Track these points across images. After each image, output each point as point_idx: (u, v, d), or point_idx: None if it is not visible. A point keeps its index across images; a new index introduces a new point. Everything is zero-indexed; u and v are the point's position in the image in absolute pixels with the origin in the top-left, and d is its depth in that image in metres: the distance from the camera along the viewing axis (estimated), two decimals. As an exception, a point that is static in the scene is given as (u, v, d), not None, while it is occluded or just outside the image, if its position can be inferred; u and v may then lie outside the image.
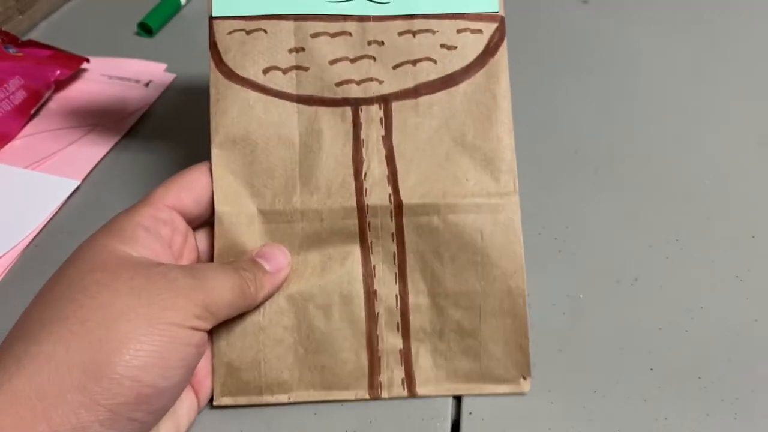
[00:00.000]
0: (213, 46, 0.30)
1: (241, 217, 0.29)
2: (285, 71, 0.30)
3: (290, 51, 0.30)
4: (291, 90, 0.30)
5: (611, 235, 0.38)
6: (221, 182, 0.30)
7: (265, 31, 0.30)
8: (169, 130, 0.46)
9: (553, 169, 0.42)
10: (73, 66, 0.49)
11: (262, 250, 0.29)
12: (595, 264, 0.36)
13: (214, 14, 0.30)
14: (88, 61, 0.50)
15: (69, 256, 0.26)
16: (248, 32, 0.30)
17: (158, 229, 0.27)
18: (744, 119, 0.46)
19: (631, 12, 0.57)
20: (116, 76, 0.51)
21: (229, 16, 0.30)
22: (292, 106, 0.30)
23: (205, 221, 0.30)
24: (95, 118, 0.47)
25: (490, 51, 0.31)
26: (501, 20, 0.31)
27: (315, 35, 0.30)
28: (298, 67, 0.30)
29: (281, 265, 0.29)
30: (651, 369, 0.31)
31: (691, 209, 0.39)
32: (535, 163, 0.42)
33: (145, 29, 0.55)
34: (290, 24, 0.30)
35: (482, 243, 0.29)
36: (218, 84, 0.30)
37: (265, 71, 0.30)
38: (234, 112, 0.30)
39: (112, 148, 0.44)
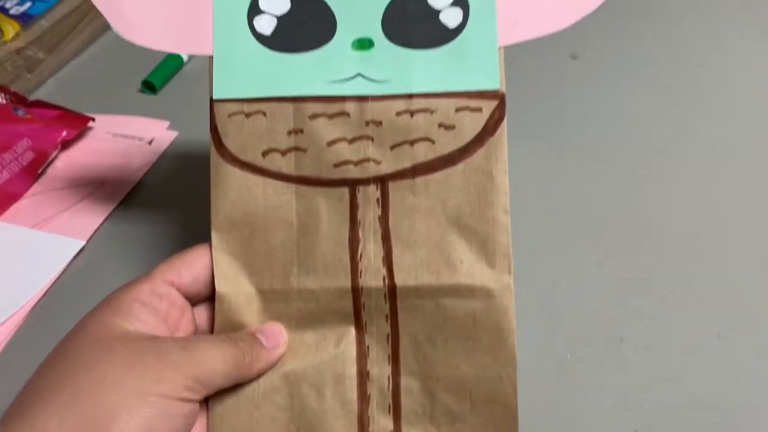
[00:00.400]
0: (213, 129, 0.31)
1: (240, 297, 0.30)
2: (284, 153, 0.31)
3: (289, 133, 0.31)
4: (290, 171, 0.31)
5: (597, 296, 0.39)
6: (221, 263, 0.31)
7: (265, 114, 0.31)
8: (172, 189, 0.48)
9: (541, 229, 0.44)
10: (79, 126, 0.51)
11: (261, 327, 0.30)
12: (582, 325, 0.37)
13: (214, 97, 0.31)
14: (93, 120, 0.52)
15: (69, 331, 0.28)
16: (248, 115, 0.31)
17: (154, 304, 0.29)
18: (727, 179, 0.47)
19: (618, 68, 0.59)
20: (120, 134, 0.52)
21: (230, 99, 0.31)
22: (290, 188, 0.31)
23: (204, 298, 0.31)
24: (100, 177, 0.48)
25: (489, 130, 0.31)
26: (501, 98, 0.31)
27: (313, 117, 0.31)
28: (296, 149, 0.31)
29: (278, 343, 0.30)
30: (635, 430, 0.32)
31: (674, 269, 0.41)
32: (523, 224, 0.44)
33: (149, 86, 0.57)
34: (289, 106, 0.31)
35: (474, 329, 0.30)
36: (218, 167, 0.31)
37: (264, 154, 0.31)
38: (233, 195, 0.31)
39: (116, 207, 0.46)
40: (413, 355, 0.30)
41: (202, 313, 0.32)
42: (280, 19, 0.31)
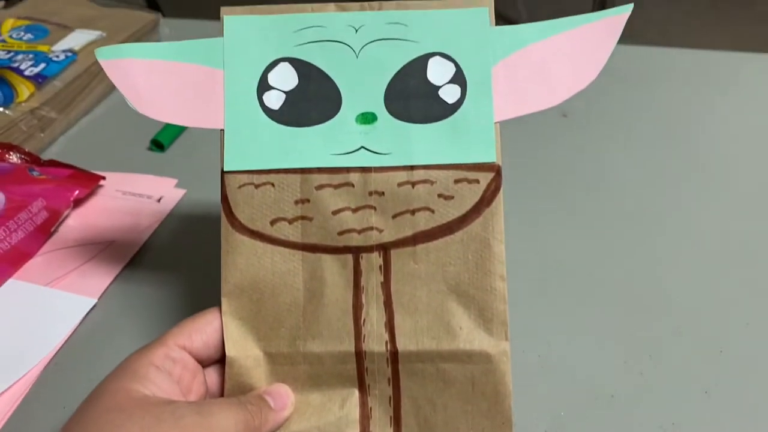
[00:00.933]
0: (224, 199, 0.33)
1: (248, 360, 0.32)
2: (291, 221, 0.33)
3: (296, 202, 0.33)
4: (296, 239, 0.33)
5: (589, 353, 0.41)
6: (230, 328, 0.32)
7: (273, 185, 0.33)
8: (180, 246, 0.50)
9: (535, 284, 0.46)
10: (90, 185, 0.53)
11: (269, 389, 0.32)
12: (575, 381, 0.39)
13: (225, 169, 0.33)
14: (104, 178, 0.54)
15: (88, 396, 0.29)
16: (257, 186, 0.33)
17: (169, 368, 0.30)
18: (715, 236, 0.49)
19: (606, 125, 0.62)
20: (130, 192, 0.55)
21: (240, 171, 0.33)
22: (297, 255, 0.33)
23: (215, 360, 0.33)
24: (111, 235, 0.50)
25: (486, 200, 0.32)
26: (497, 170, 0.33)
27: (319, 187, 0.33)
28: (303, 218, 0.33)
29: (285, 404, 0.32)
30: (627, 487, 0.34)
31: (662, 325, 0.42)
32: (517, 279, 0.46)
33: (157, 145, 0.60)
34: (297, 177, 0.33)
35: (473, 393, 0.32)
36: (228, 236, 0.33)
37: (273, 222, 0.33)
38: (243, 263, 0.33)
39: (126, 265, 0.48)
40: (414, 418, 0.32)
41: (212, 375, 0.33)
42: (288, 95, 0.33)
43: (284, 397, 0.32)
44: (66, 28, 0.70)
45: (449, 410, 0.32)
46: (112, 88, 0.68)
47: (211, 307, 0.33)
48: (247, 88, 0.34)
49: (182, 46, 0.34)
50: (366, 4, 0.34)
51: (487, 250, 0.32)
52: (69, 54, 0.65)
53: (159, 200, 0.54)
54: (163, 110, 0.34)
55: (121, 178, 0.56)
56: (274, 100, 0.33)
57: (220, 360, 0.33)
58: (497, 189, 0.33)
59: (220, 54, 0.34)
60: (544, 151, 0.59)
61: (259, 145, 0.33)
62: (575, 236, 0.50)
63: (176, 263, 0.48)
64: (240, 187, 0.33)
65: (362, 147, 0.33)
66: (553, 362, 0.40)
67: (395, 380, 0.32)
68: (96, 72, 0.66)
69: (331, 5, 0.34)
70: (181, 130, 0.62)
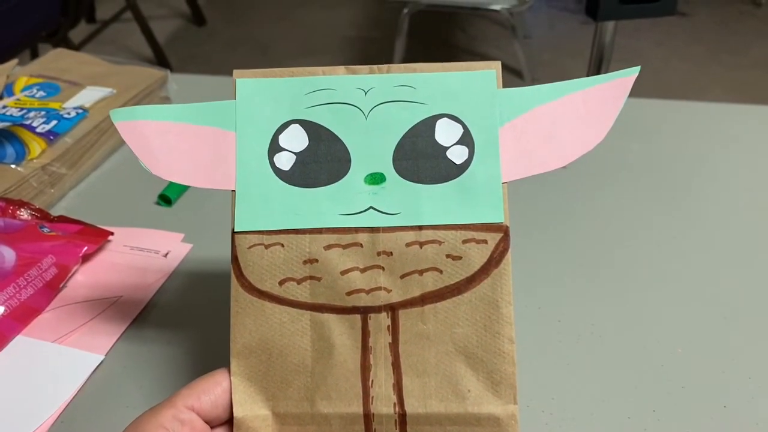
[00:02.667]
0: (234, 259, 0.34)
1: (256, 421, 0.32)
2: (299, 282, 0.33)
3: (305, 262, 0.33)
4: (305, 299, 0.33)
5: (593, 407, 0.41)
6: (239, 388, 0.33)
7: (282, 245, 0.33)
8: (187, 302, 0.50)
9: (537, 338, 0.46)
10: (99, 240, 0.54)
11: None
12: (579, 437, 0.39)
13: (236, 229, 0.34)
14: (112, 234, 0.55)
15: None
16: (267, 246, 0.33)
17: (177, 430, 0.31)
18: (717, 289, 0.50)
19: (606, 177, 0.63)
20: (137, 247, 0.55)
21: (250, 231, 0.34)
22: (305, 315, 0.33)
23: (223, 421, 0.33)
24: (118, 291, 0.51)
25: (494, 261, 0.33)
26: (505, 231, 0.33)
27: (328, 247, 0.33)
28: (311, 278, 0.33)
29: None
30: None
31: (666, 380, 0.43)
32: (520, 332, 0.46)
33: (164, 200, 0.61)
34: (305, 237, 0.33)
35: None
36: (238, 297, 0.33)
37: (281, 283, 0.33)
38: (251, 324, 0.33)
39: (134, 321, 0.48)
40: None
41: None
42: (299, 156, 0.34)
43: None
44: (77, 86, 0.72)
45: None
46: (120, 143, 0.70)
47: (220, 368, 0.33)
48: (258, 150, 0.34)
49: (195, 108, 0.35)
50: (375, 67, 0.35)
51: (495, 312, 0.32)
52: (80, 111, 0.67)
53: (166, 255, 0.55)
54: (176, 172, 0.35)
55: (129, 233, 0.57)
56: (285, 161, 0.34)
57: (229, 421, 0.33)
58: (505, 250, 0.33)
59: (232, 116, 0.35)
60: (544, 202, 0.60)
61: (270, 205, 0.34)
62: (577, 290, 0.50)
63: (183, 319, 0.49)
64: (250, 247, 0.34)
65: (371, 207, 0.33)
66: (557, 418, 0.40)
67: None
68: (105, 128, 0.67)
69: (341, 68, 0.35)
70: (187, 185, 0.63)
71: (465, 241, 0.33)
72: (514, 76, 2.23)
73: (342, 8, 2.79)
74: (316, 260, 0.33)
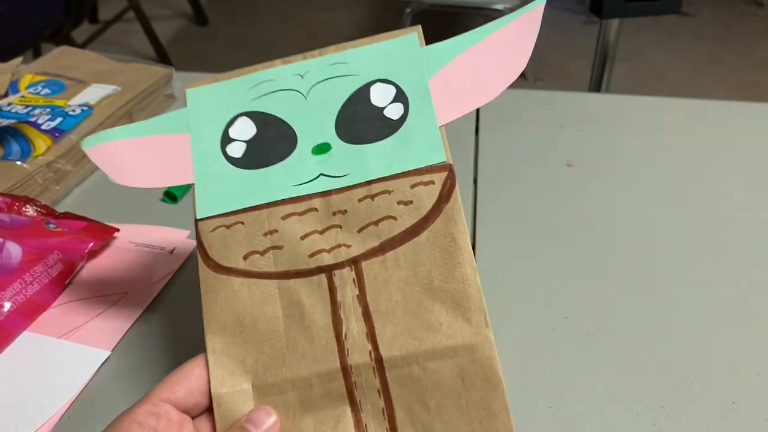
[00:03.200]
0: (200, 244, 0.35)
1: (236, 395, 0.33)
2: (262, 253, 0.34)
3: (265, 234, 0.34)
4: (270, 269, 0.34)
5: (602, 402, 0.41)
6: (216, 365, 0.33)
7: (243, 223, 0.35)
8: (193, 298, 0.49)
9: (545, 334, 0.46)
10: (105, 237, 0.54)
11: (249, 416, 0.32)
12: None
13: (198, 217, 0.35)
14: (118, 230, 0.55)
15: None
16: (228, 227, 0.35)
17: (152, 423, 0.31)
18: (724, 285, 0.50)
19: (610, 175, 0.63)
20: (143, 244, 0.55)
21: (211, 216, 0.35)
22: (272, 284, 0.34)
23: (203, 408, 0.33)
24: (124, 287, 0.51)
25: (444, 198, 0.34)
26: (450, 168, 0.34)
27: (286, 217, 0.35)
28: (273, 247, 0.34)
29: (268, 425, 0.32)
30: None
31: (674, 376, 0.43)
32: (528, 329, 0.46)
33: (170, 196, 0.61)
34: (263, 212, 0.35)
35: (464, 386, 0.31)
36: (206, 277, 0.34)
37: (246, 257, 0.34)
38: (221, 300, 0.34)
39: (139, 317, 0.48)
40: (411, 425, 0.32)
41: (204, 422, 0.33)
42: (249, 143, 0.37)
43: (264, 418, 0.32)
44: (82, 83, 0.72)
45: (444, 409, 0.32)
46: (125, 140, 0.70)
47: (192, 358, 0.34)
48: (211, 144, 0.37)
49: (152, 122, 0.38)
50: (308, 54, 0.38)
51: (452, 244, 0.33)
52: (85, 108, 0.67)
53: (171, 251, 0.55)
54: (138, 177, 0.37)
55: (135, 230, 0.57)
56: (236, 149, 0.37)
57: (209, 407, 0.33)
58: (453, 186, 0.34)
59: (185, 121, 0.38)
60: (550, 199, 0.60)
61: (226, 190, 0.36)
62: (584, 286, 0.50)
63: (189, 315, 0.48)
64: (213, 230, 0.35)
65: (321, 174, 0.35)
66: (566, 413, 0.40)
67: (385, 390, 0.32)
68: (110, 125, 0.67)
69: (278, 61, 0.38)
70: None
71: (413, 186, 0.34)
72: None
73: (344, 8, 2.79)
74: (276, 231, 0.34)
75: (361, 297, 0.33)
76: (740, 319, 0.47)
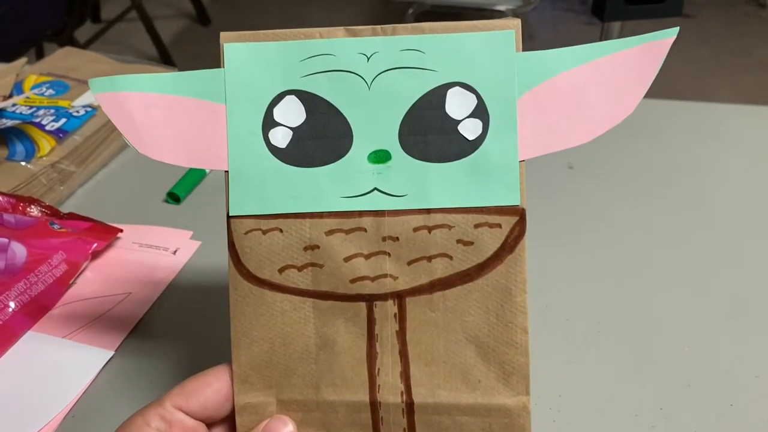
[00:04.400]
0: (231, 246, 0.32)
1: (259, 408, 0.32)
2: (300, 269, 0.31)
3: (305, 249, 0.31)
4: (306, 287, 0.32)
5: (601, 404, 0.41)
6: (241, 377, 0.32)
7: (281, 230, 0.31)
8: (196, 298, 0.50)
9: (545, 337, 0.46)
10: (108, 237, 0.54)
11: (266, 426, 0.32)
12: (587, 434, 0.39)
13: (231, 213, 0.32)
14: (121, 231, 0.56)
15: None
16: (264, 231, 0.31)
17: (163, 428, 0.31)
18: (724, 288, 0.50)
19: (612, 177, 0.63)
20: (146, 244, 0.56)
21: (246, 215, 0.32)
22: (307, 302, 0.32)
23: (218, 420, 0.33)
24: (128, 287, 0.51)
25: (508, 246, 0.31)
26: (522, 214, 0.31)
27: (330, 232, 0.31)
28: (313, 264, 0.31)
29: None
30: None
31: (672, 377, 0.43)
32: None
33: (173, 197, 0.61)
34: (305, 222, 0.31)
35: None
36: (237, 285, 0.32)
37: (281, 270, 0.32)
38: (251, 312, 0.32)
39: (143, 317, 0.49)
40: None
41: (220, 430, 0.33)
42: (295, 131, 0.31)
43: (281, 427, 0.31)
44: (86, 84, 0.72)
45: None
46: (129, 141, 0.70)
47: (213, 367, 0.33)
48: (251, 125, 0.31)
49: (181, 77, 0.32)
50: (378, 28, 0.31)
51: (508, 300, 0.31)
52: (89, 109, 0.67)
53: (175, 252, 0.55)
54: (162, 150, 0.32)
55: (138, 231, 0.57)
56: (281, 137, 0.31)
57: (226, 418, 0.33)
58: (521, 234, 0.31)
59: (221, 86, 0.31)
60: (550, 201, 0.60)
61: (266, 187, 0.31)
62: (584, 289, 0.50)
63: (192, 316, 0.49)
64: (247, 233, 0.32)
65: (375, 188, 0.31)
66: (565, 415, 0.41)
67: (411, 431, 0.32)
68: (114, 126, 0.67)
69: (341, 30, 0.31)
70: (196, 182, 0.63)
71: (477, 226, 0.31)
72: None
73: (346, 9, 2.79)
74: (318, 246, 0.31)
75: (401, 334, 0.31)
76: (739, 322, 0.47)
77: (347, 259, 0.31)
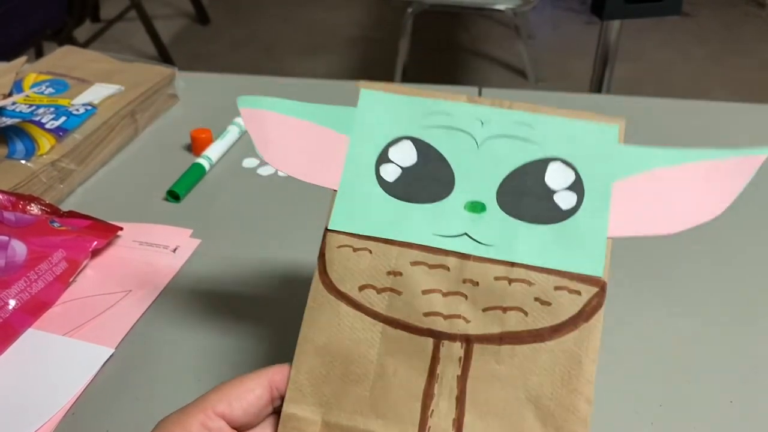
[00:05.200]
0: (321, 256, 0.33)
1: (303, 422, 0.31)
2: (379, 291, 0.32)
3: (388, 273, 0.32)
4: (381, 310, 0.32)
5: (600, 401, 0.41)
6: (296, 383, 0.32)
7: (371, 252, 0.33)
8: (195, 296, 0.51)
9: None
10: (108, 235, 0.54)
11: None
12: (586, 431, 0.39)
13: (330, 227, 0.34)
14: (121, 229, 0.56)
15: None
16: (355, 249, 0.33)
17: None
18: (720, 284, 0.50)
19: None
20: (146, 242, 0.56)
21: (342, 231, 0.34)
22: (377, 326, 0.32)
23: (252, 426, 0.32)
24: (128, 285, 0.51)
25: (584, 315, 0.31)
26: (603, 286, 0.31)
27: (415, 263, 0.32)
28: (392, 290, 0.32)
29: None
30: None
31: (672, 373, 0.43)
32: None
33: (173, 195, 0.61)
34: (394, 249, 0.33)
35: None
36: (317, 292, 0.33)
37: (361, 288, 0.32)
38: (323, 322, 0.32)
39: (142, 315, 0.49)
40: None
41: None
42: (405, 170, 0.34)
43: None
44: (86, 83, 0.72)
45: None
46: (128, 140, 0.70)
47: (251, 373, 0.32)
48: (367, 157, 0.35)
49: (317, 108, 0.36)
50: (497, 101, 0.34)
51: (576, 368, 0.31)
52: (88, 107, 0.67)
53: (174, 250, 0.55)
54: (284, 162, 0.36)
55: (138, 229, 0.57)
56: (391, 173, 0.34)
57: (258, 426, 0.33)
58: (599, 306, 0.31)
59: (349, 121, 0.36)
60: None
61: (367, 211, 0.34)
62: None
63: (191, 314, 0.49)
64: (339, 247, 0.33)
65: (466, 234, 0.33)
66: (564, 412, 0.41)
67: None
68: (114, 125, 0.68)
69: (464, 96, 0.35)
70: (196, 180, 0.63)
71: (557, 288, 0.31)
72: (517, 75, 2.23)
73: (346, 8, 2.79)
74: (401, 273, 0.32)
75: (462, 379, 0.31)
76: (739, 318, 0.47)
77: (425, 293, 0.32)
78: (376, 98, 0.36)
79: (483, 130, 0.34)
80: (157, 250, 0.55)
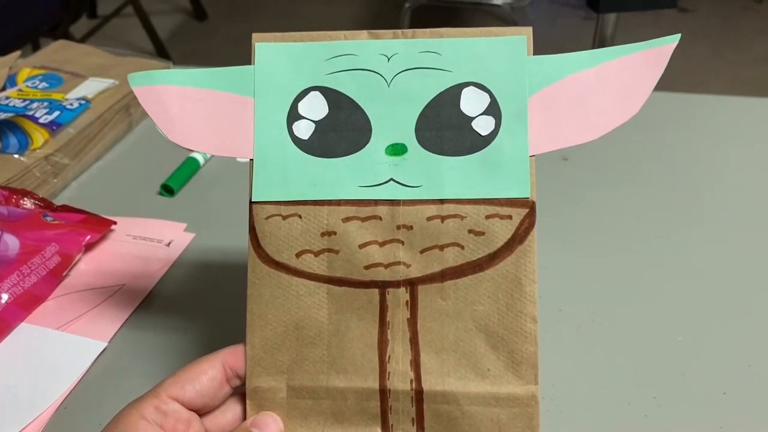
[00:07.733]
0: (252, 230, 0.33)
1: (269, 393, 0.32)
2: (317, 254, 0.32)
3: (322, 235, 0.32)
4: (322, 272, 0.32)
5: (594, 394, 0.41)
6: (253, 359, 0.33)
7: (300, 216, 0.33)
8: (189, 290, 0.50)
9: (539, 327, 0.46)
10: (102, 229, 0.54)
11: (255, 420, 0.32)
12: (579, 423, 0.39)
13: (254, 199, 0.33)
14: (115, 223, 0.55)
15: None
16: (284, 217, 0.33)
17: (159, 421, 0.31)
18: (717, 279, 0.50)
19: (607, 170, 0.63)
20: (140, 236, 0.56)
21: (268, 201, 0.33)
22: (322, 288, 0.32)
23: (212, 408, 0.33)
24: (121, 279, 0.51)
25: (518, 237, 0.32)
26: (532, 206, 0.32)
27: (346, 219, 0.32)
28: (329, 250, 0.32)
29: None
30: None
31: (666, 366, 0.43)
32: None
33: (167, 190, 0.61)
34: (323, 209, 0.33)
35: None
36: (255, 268, 0.33)
37: (298, 255, 0.33)
38: (267, 295, 0.33)
39: (136, 309, 0.49)
40: None
41: (212, 421, 0.33)
42: (318, 124, 0.33)
43: (270, 424, 0.32)
44: (80, 77, 0.72)
45: None
46: (123, 134, 0.70)
47: (206, 356, 0.33)
48: (277, 117, 0.33)
49: (213, 73, 0.34)
50: (399, 32, 0.33)
51: (518, 290, 0.32)
52: (82, 102, 0.67)
53: (168, 244, 0.55)
54: (193, 139, 0.34)
55: (132, 223, 0.57)
56: (304, 129, 0.33)
57: (217, 408, 0.33)
58: (531, 226, 0.32)
59: (250, 81, 0.34)
60: (544, 195, 0.60)
61: (288, 175, 0.33)
62: (577, 279, 0.50)
63: (186, 307, 0.49)
64: (267, 218, 0.33)
65: (391, 179, 0.33)
66: (558, 404, 0.41)
67: (419, 421, 0.32)
68: (108, 119, 0.67)
69: (364, 33, 0.33)
70: (190, 175, 0.63)
71: (488, 216, 0.32)
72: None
73: (343, 3, 2.79)
74: (334, 233, 0.33)
75: (412, 322, 0.32)
76: (732, 311, 0.47)
77: (362, 246, 0.32)
78: (274, 50, 0.34)
79: (390, 65, 0.33)
80: (151, 244, 0.55)
